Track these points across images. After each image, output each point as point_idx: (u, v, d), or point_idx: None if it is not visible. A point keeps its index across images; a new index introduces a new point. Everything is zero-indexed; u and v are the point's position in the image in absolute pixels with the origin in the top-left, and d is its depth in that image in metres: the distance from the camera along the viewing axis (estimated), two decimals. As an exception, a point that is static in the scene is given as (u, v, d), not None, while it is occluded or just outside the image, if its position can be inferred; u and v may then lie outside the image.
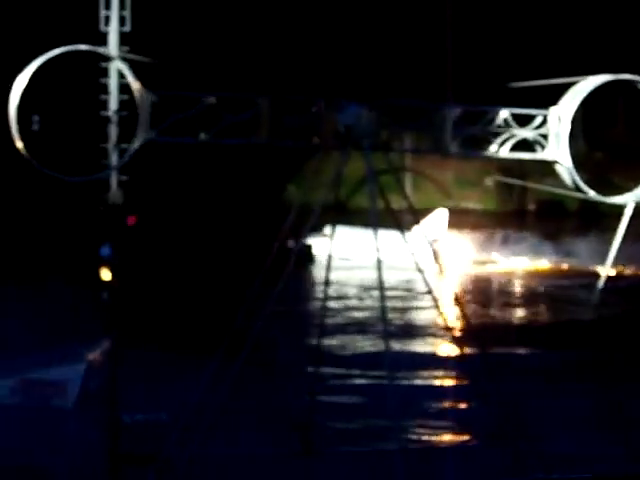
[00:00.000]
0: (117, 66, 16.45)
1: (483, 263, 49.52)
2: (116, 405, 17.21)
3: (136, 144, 16.40)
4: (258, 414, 24.13)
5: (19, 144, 16.60)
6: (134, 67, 16.75)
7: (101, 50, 16.48)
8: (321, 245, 45.24)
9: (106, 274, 17.32)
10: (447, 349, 34.27)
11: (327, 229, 46.95)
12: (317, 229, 48.35)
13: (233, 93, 17.18)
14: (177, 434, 17.16)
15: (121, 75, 16.50)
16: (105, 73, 16.57)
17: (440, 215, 45.42)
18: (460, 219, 60.25)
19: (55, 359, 25.78)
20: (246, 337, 17.51)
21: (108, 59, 16.47)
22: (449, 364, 32.14)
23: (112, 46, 16.55)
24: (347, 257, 44.64)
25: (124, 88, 16.58)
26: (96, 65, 16.69)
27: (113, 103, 16.54)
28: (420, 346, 36.94)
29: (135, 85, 16.41)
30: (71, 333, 27.76)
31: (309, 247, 46.63)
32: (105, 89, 16.58)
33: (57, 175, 16.56)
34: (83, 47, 16.43)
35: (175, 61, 54.13)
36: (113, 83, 16.54)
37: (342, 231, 47.02)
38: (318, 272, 42.93)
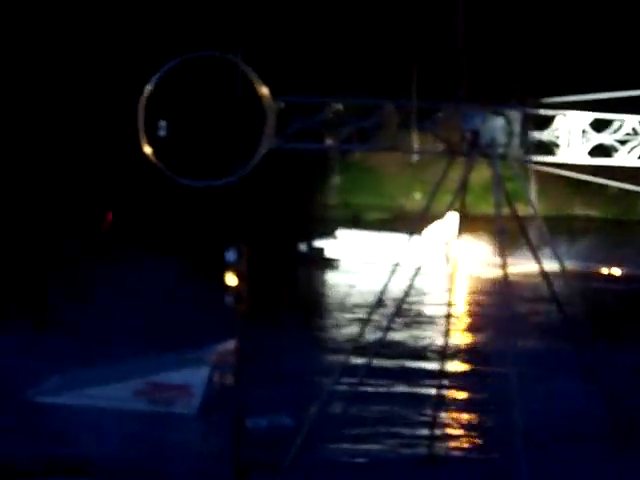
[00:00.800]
0: (244, 72, 16.49)
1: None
2: (241, 410, 17.24)
3: (262, 150, 16.36)
4: (382, 418, 23.91)
5: (147, 149, 16.77)
6: (260, 73, 16.76)
7: (228, 57, 16.53)
8: (334, 248, 46.32)
9: (231, 279, 17.42)
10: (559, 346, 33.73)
11: (338, 232, 47.88)
12: (329, 232, 49.18)
13: (358, 98, 17.09)
14: (301, 440, 17.06)
15: (248, 81, 16.52)
16: (233, 79, 16.62)
17: (451, 219, 45.15)
18: (576, 226, 59.21)
19: (180, 362, 26.03)
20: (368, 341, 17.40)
21: (235, 65, 16.50)
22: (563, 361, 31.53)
23: (239, 53, 16.59)
24: (373, 261, 44.59)
25: (251, 94, 16.60)
26: (224, 71, 16.76)
27: (239, 109, 16.58)
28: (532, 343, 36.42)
29: (262, 91, 16.41)
30: (196, 336, 28.00)
31: (321, 250, 46.71)
32: (232, 95, 16.64)
33: (184, 180, 16.73)
34: (210, 53, 16.50)
35: (295, 66, 54.38)
36: (240, 89, 16.58)
37: (355, 235, 48.20)
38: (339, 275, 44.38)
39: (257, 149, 16.33)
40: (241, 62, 16.51)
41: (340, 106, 16.41)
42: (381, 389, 25.92)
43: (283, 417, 23.06)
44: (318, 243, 46.84)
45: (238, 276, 17.14)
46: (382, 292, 17.64)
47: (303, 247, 46.91)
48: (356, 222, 53.52)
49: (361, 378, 16.92)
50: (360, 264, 44.57)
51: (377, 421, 24.17)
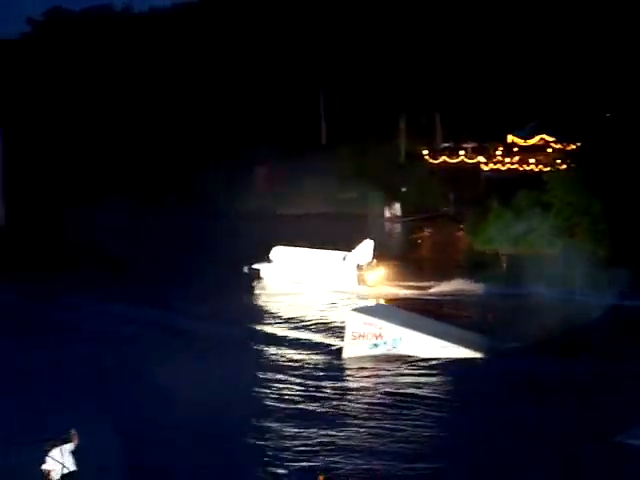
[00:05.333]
0: None
1: None
2: None
3: None
4: None
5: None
6: None
7: None
8: (269, 270, 53.37)
9: None
10: None
11: (273, 253, 52.97)
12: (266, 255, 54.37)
13: None
14: None
15: None
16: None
17: (367, 245, 51.39)
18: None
19: None
20: None
21: None
22: None
23: None
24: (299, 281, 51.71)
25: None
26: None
27: None
28: None
29: None
30: None
31: (257, 271, 53.27)
32: None
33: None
34: None
35: None
36: None
37: (288, 254, 52.98)
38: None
39: None
40: None
41: None
42: None
43: None
44: (256, 265, 53.29)
45: None
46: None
47: (245, 269, 53.39)
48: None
49: None
50: (286, 283, 51.56)
51: None
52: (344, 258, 50.93)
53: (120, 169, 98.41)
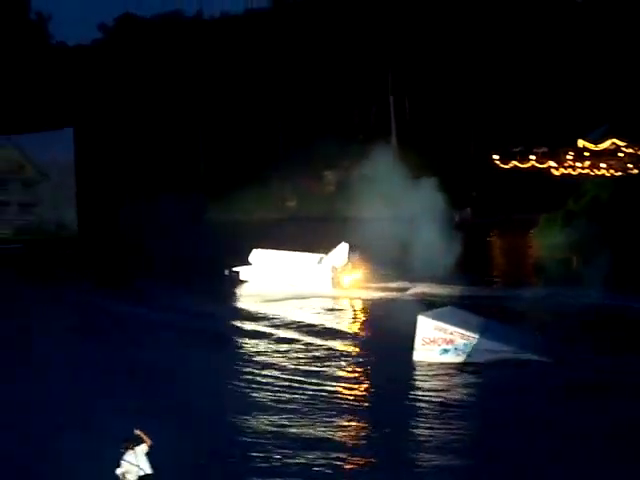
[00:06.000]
0: None
1: None
2: None
3: None
4: None
5: None
6: None
7: None
8: (249, 272, 54.39)
9: None
10: None
11: (252, 256, 53.93)
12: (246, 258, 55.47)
13: None
14: None
15: None
16: None
17: (343, 248, 52.21)
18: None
19: None
20: None
21: None
22: None
23: None
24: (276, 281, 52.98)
25: None
26: None
27: None
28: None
29: None
30: None
31: (237, 273, 54.35)
32: None
33: None
34: None
35: None
36: None
37: (267, 256, 53.99)
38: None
39: None
40: None
41: None
42: None
43: None
44: (236, 268, 54.55)
45: None
46: None
47: (226, 271, 54.68)
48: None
49: None
50: (265, 284, 52.97)
51: None
52: (320, 260, 51.45)
53: (190, 171, 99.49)
